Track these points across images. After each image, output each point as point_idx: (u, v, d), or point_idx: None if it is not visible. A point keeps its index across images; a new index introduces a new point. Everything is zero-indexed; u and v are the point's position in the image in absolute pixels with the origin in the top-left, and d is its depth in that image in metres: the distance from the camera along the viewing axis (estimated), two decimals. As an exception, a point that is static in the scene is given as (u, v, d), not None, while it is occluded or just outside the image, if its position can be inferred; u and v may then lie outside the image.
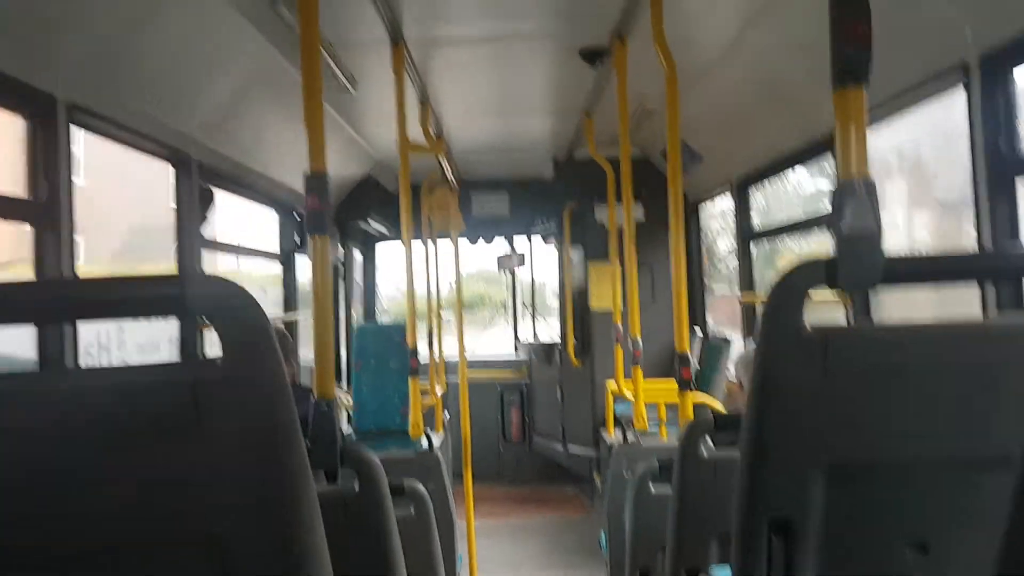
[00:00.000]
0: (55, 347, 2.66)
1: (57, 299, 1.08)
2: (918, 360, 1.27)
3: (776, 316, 1.28)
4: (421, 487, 2.79)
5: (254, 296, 1.10)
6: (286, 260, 5.79)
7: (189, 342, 3.79)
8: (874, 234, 1.29)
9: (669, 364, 6.74)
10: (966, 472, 1.32)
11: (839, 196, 1.33)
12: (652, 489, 3.06)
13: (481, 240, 8.55)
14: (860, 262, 1.28)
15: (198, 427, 1.05)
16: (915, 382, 1.28)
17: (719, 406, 4.91)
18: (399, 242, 4.91)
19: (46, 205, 2.66)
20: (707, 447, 2.39)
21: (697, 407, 3.58)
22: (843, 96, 1.37)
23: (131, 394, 1.06)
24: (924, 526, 1.35)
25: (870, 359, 1.28)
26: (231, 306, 1.07)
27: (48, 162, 2.67)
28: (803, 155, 4.47)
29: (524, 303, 9.27)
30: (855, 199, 1.32)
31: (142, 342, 3.69)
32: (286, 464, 1.09)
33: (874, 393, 1.28)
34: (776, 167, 4.93)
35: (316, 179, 2.21)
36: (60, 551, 1.09)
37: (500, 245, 8.78)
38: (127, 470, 1.07)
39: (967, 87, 2.72)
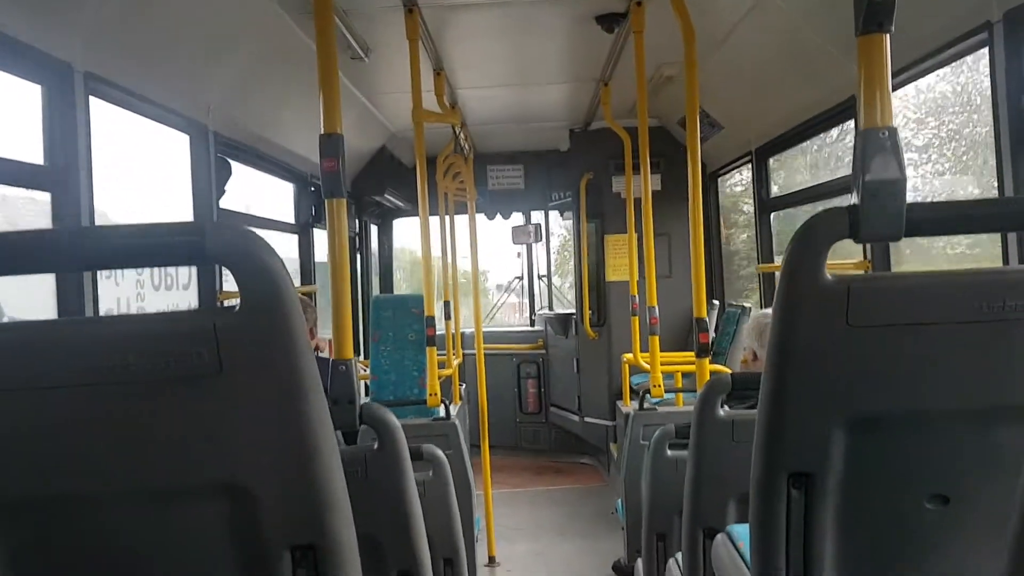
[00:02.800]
0: (74, 305, 2.68)
1: (79, 247, 1.09)
2: (940, 309, 1.25)
3: (798, 266, 1.27)
4: (439, 451, 2.81)
5: (271, 245, 1.11)
6: (302, 231, 5.81)
7: (208, 304, 3.81)
8: (899, 183, 1.27)
9: (685, 337, 6.75)
10: (987, 423, 1.31)
11: (863, 145, 1.30)
12: (669, 453, 3.07)
13: (499, 216, 8.53)
14: (884, 212, 1.26)
15: (219, 373, 1.06)
16: (936, 331, 1.26)
17: None
18: (416, 218, 4.93)
19: (63, 173, 2.67)
20: (724, 408, 2.38)
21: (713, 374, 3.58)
22: (867, 43, 1.34)
23: (152, 341, 1.06)
24: (945, 477, 1.34)
25: (892, 308, 1.26)
26: (250, 254, 1.07)
27: (66, 130, 2.68)
28: (825, 121, 4.41)
29: (539, 275, 9.26)
30: (879, 148, 1.29)
31: (161, 308, 3.71)
32: (306, 411, 1.09)
33: (896, 343, 1.27)
34: (797, 134, 4.87)
35: (331, 141, 2.21)
36: (83, 496, 1.10)
37: (517, 220, 8.77)
38: (150, 417, 1.08)
39: (991, 47, 2.69)
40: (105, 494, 1.11)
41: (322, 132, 2.23)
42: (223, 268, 1.11)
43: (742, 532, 1.98)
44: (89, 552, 1.15)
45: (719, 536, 2.11)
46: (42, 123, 2.67)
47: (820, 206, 4.82)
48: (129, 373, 1.06)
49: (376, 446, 1.96)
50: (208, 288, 3.83)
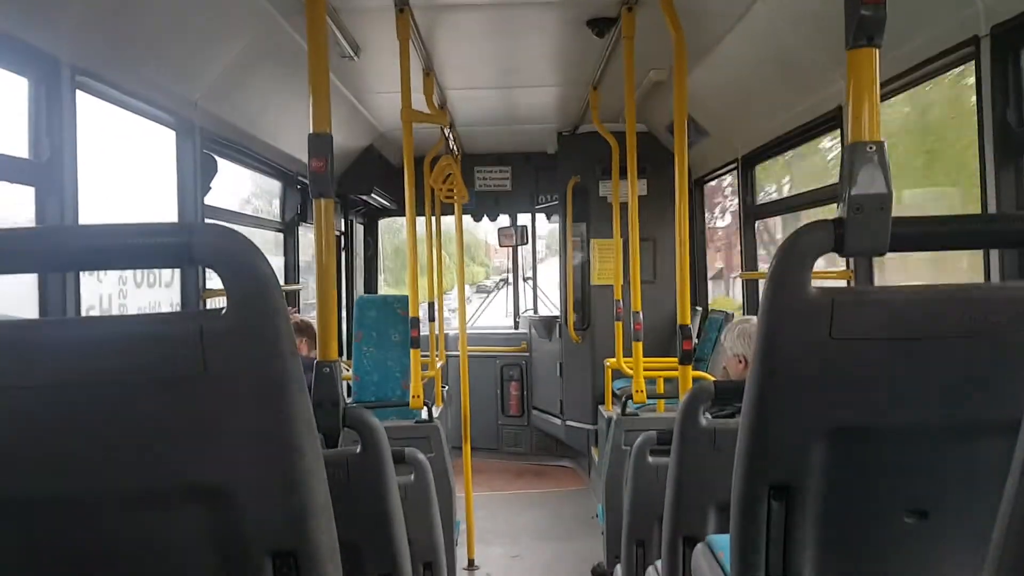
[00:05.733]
0: (57, 304, 2.66)
1: (62, 247, 1.08)
2: (922, 324, 1.26)
3: (783, 279, 1.27)
4: (421, 455, 2.80)
5: (258, 248, 1.10)
6: (288, 230, 5.78)
7: (192, 305, 3.79)
8: (884, 198, 1.28)
9: (668, 342, 6.76)
10: (967, 438, 1.32)
11: (850, 159, 1.31)
12: (650, 459, 3.07)
13: (485, 217, 8.55)
14: (869, 226, 1.27)
15: (204, 376, 1.05)
16: (918, 346, 1.27)
17: None
18: (402, 218, 4.95)
19: (48, 167, 2.65)
20: (706, 416, 2.39)
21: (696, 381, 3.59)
22: (857, 57, 1.35)
23: (138, 342, 1.05)
24: (924, 492, 1.35)
25: (874, 322, 1.27)
26: (236, 256, 1.06)
27: (51, 124, 2.65)
28: (811, 131, 4.43)
29: (524, 277, 9.26)
30: (866, 162, 1.30)
31: (143, 305, 3.68)
32: (290, 413, 1.09)
33: (878, 357, 1.28)
34: (783, 143, 4.89)
35: (320, 140, 2.20)
36: (62, 497, 1.09)
37: (503, 222, 8.78)
38: (132, 418, 1.07)
39: (977, 61, 2.71)
40: (84, 496, 1.10)
41: (311, 132, 2.22)
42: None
43: (722, 543, 1.98)
44: (66, 554, 1.14)
45: (699, 546, 2.12)
46: (27, 117, 2.65)
47: (807, 213, 4.86)
48: (112, 374, 1.05)
49: (359, 449, 1.96)
50: (191, 286, 3.80)
